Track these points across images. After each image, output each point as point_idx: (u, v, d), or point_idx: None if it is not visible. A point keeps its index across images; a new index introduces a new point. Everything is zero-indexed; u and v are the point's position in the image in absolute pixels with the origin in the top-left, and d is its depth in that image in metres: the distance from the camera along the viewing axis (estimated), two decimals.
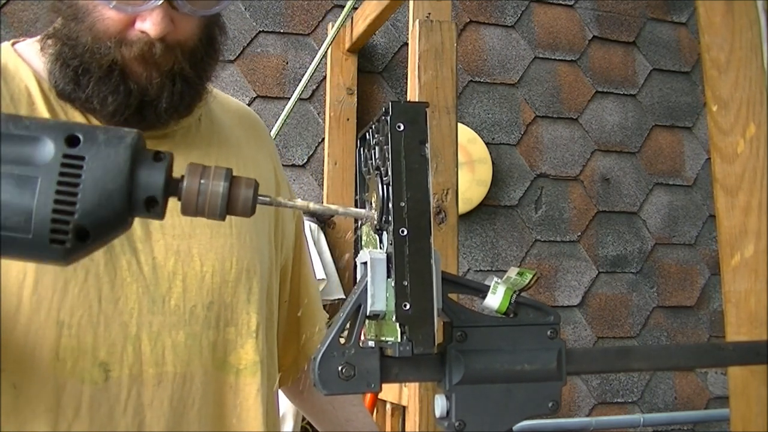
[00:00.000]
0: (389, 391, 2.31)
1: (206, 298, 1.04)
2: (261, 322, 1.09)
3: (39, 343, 0.93)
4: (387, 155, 0.77)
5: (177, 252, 1.02)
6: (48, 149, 0.65)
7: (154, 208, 0.68)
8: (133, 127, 0.98)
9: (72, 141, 0.65)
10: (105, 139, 0.66)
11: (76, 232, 0.64)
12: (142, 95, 0.99)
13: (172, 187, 0.70)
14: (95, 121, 1.01)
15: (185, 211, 0.70)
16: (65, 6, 0.99)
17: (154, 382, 0.99)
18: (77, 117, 1.01)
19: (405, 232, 0.76)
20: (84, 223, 0.65)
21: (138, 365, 0.98)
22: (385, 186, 0.79)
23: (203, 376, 1.03)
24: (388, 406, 2.48)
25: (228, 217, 1.04)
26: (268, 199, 0.74)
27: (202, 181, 0.69)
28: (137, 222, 0.98)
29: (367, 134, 0.87)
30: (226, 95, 1.28)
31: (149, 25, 0.95)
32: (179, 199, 0.70)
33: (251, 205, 0.71)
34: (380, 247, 0.83)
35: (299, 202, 0.78)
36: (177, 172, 1.04)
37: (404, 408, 2.20)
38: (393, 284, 0.76)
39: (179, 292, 1.02)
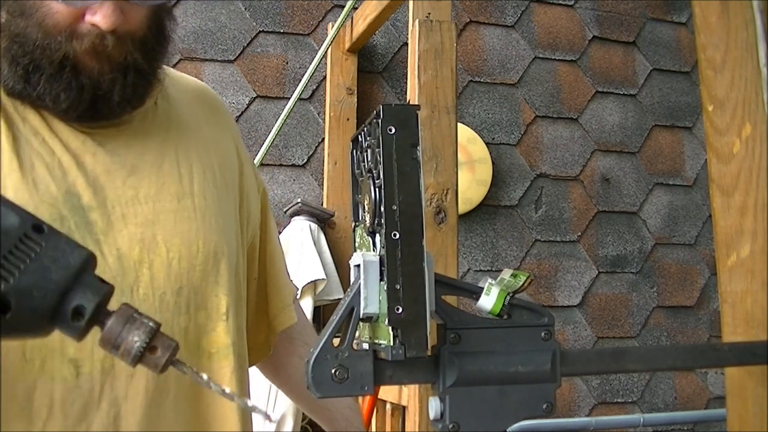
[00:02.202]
0: (389, 391, 2.31)
1: (175, 284, 1.03)
2: (231, 304, 1.08)
3: (5, 346, 0.92)
4: (379, 158, 0.77)
5: (141, 240, 1.01)
6: (13, 222, 0.67)
7: (77, 321, 0.70)
8: (88, 120, 1.01)
9: (38, 228, 0.68)
10: (65, 241, 0.70)
11: (1, 300, 0.67)
12: (95, 90, 0.98)
13: (102, 314, 0.73)
14: (48, 116, 1.01)
15: (103, 345, 0.74)
16: (11, 1, 0.97)
17: (126, 374, 0.98)
18: (29, 114, 1.00)
19: (397, 236, 0.76)
20: (10, 297, 0.67)
21: (110, 359, 0.97)
22: (377, 189, 0.79)
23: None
24: (388, 406, 2.48)
25: (191, 200, 1.07)
26: (182, 367, 0.77)
27: (123, 332, 0.72)
28: (98, 213, 0.99)
29: (359, 136, 0.87)
30: (180, 74, 1.27)
31: (100, 17, 0.95)
32: (101, 329, 0.73)
33: (162, 367, 0.75)
34: (373, 250, 0.83)
35: None
36: (140, 161, 1.07)
37: (404, 408, 2.20)
38: (386, 288, 0.77)
39: (147, 280, 1.01)
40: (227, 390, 0.81)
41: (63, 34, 0.95)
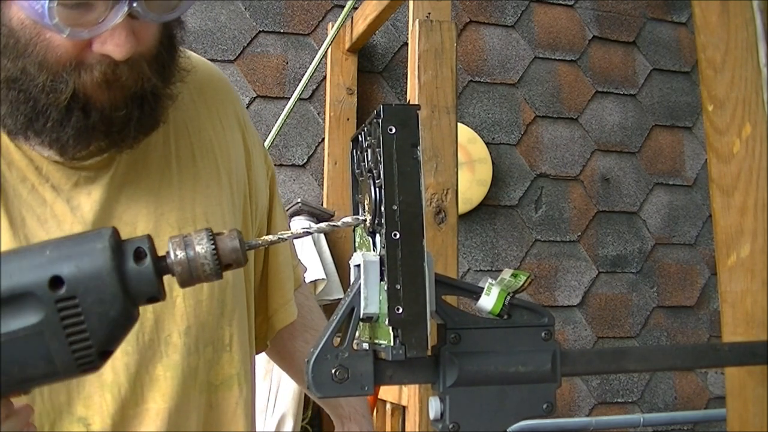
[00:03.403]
0: (389, 391, 2.31)
1: (181, 324, 0.99)
2: (234, 333, 1.05)
3: None
4: (379, 158, 0.77)
5: None
6: (37, 302, 0.66)
7: (142, 262, 0.70)
8: (97, 154, 0.94)
9: (55, 283, 0.67)
10: (89, 265, 0.67)
11: (100, 356, 0.69)
12: (107, 129, 0.90)
13: (163, 268, 0.71)
14: (36, 156, 0.94)
15: (184, 285, 0.72)
16: (3, 38, 0.85)
17: (135, 423, 0.96)
18: (15, 154, 0.94)
19: (397, 236, 0.76)
20: (104, 349, 0.69)
21: (119, 411, 0.95)
22: (377, 188, 0.79)
23: (187, 405, 1.00)
24: (388, 406, 2.48)
25: (192, 226, 1.02)
26: (255, 242, 0.75)
27: (188, 252, 0.70)
28: None
29: (359, 136, 0.87)
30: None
31: (112, 47, 0.84)
32: (173, 276, 0.71)
33: (242, 255, 0.72)
34: (373, 250, 0.83)
35: (285, 233, 0.76)
36: (136, 190, 1.00)
37: (404, 408, 2.20)
38: (386, 288, 0.77)
39: (151, 325, 0.97)
40: None
41: (69, 68, 0.85)
